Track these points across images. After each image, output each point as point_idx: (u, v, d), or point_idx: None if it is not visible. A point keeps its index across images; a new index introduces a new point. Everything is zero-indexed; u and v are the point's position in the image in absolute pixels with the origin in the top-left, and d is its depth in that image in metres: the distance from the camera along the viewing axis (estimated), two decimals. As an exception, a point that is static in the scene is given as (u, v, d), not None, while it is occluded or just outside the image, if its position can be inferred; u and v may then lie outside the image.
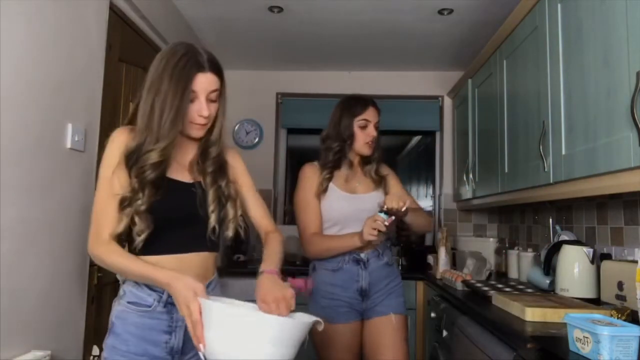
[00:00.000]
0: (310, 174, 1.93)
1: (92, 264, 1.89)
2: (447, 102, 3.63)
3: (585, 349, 1.09)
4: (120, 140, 1.23)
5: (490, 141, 2.52)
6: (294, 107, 3.81)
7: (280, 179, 3.83)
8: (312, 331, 1.13)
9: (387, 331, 1.88)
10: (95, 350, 1.91)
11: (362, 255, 1.89)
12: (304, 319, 1.13)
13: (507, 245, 2.97)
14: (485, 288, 2.05)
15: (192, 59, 1.20)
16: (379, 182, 1.99)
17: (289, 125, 3.86)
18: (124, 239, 1.23)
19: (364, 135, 1.92)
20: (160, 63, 1.22)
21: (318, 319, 1.14)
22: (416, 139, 5.12)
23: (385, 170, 2.05)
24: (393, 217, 1.74)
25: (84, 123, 1.79)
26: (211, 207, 1.27)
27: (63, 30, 1.66)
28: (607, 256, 1.83)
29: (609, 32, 1.39)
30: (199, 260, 1.29)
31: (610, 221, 1.92)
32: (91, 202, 1.23)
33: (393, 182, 2.03)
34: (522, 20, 2.04)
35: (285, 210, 3.85)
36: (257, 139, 3.70)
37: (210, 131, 1.30)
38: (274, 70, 3.73)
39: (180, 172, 1.29)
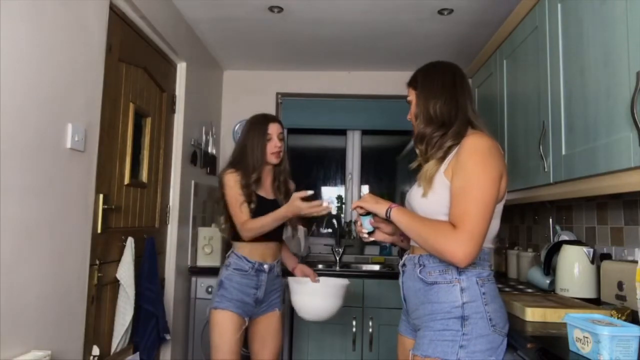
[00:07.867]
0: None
1: (92, 264, 1.88)
2: (447, 102, 3.61)
3: (585, 349, 1.09)
4: None
5: (490, 141, 2.52)
6: (294, 107, 3.81)
7: (280, 179, 3.83)
8: None
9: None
10: (96, 350, 1.91)
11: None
12: (338, 282, 2.13)
13: (507, 245, 2.97)
14: (485, 288, 2.04)
15: None
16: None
17: (289, 125, 3.86)
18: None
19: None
20: None
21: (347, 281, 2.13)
22: (416, 139, 5.08)
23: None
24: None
25: (84, 123, 1.79)
26: None
27: (63, 30, 1.66)
28: (607, 256, 1.83)
29: (609, 32, 1.39)
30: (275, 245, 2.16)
31: (610, 221, 1.92)
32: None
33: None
34: (522, 20, 2.04)
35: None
36: (257, 139, 3.69)
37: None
38: (274, 70, 3.73)
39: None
